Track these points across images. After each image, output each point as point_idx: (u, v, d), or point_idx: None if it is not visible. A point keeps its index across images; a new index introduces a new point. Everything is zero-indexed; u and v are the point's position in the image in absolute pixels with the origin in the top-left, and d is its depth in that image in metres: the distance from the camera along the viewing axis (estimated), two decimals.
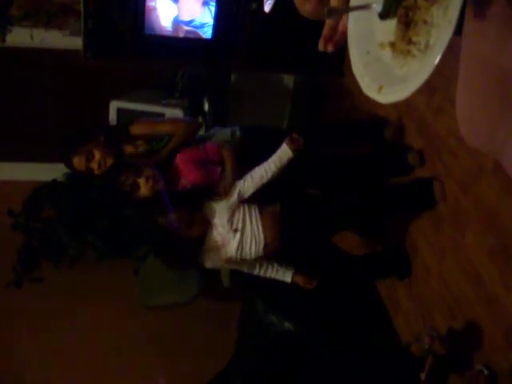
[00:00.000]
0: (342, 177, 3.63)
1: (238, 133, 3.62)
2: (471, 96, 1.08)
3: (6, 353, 4.70)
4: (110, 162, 3.41)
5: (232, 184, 3.20)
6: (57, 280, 4.76)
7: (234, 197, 3.17)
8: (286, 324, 3.39)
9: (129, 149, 3.51)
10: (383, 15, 1.01)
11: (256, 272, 3.30)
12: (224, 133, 3.64)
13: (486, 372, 2.76)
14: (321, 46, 1.18)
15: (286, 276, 3.28)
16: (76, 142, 3.47)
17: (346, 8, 1.08)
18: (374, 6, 1.01)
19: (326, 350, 3.37)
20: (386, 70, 1.04)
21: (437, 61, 0.90)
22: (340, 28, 1.14)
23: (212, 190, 3.25)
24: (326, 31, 1.16)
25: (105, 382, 4.64)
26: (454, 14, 0.87)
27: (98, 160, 3.39)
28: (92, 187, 4.52)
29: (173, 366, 4.76)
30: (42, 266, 4.73)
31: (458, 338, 3.07)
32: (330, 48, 1.17)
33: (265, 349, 3.52)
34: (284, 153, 3.12)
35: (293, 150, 3.10)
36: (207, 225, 3.15)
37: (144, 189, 3.15)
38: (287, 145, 3.11)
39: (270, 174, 3.15)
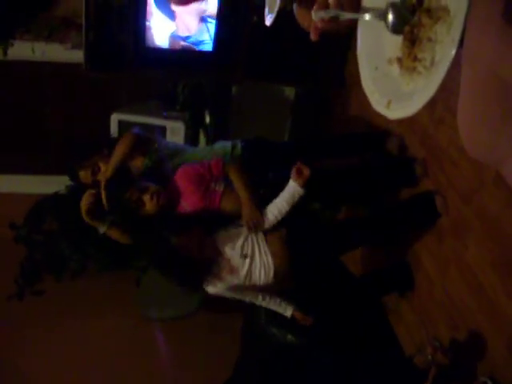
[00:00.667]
0: (344, 193, 3.62)
1: (239, 146, 3.61)
2: (472, 107, 1.08)
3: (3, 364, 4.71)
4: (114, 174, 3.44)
5: (254, 209, 3.15)
6: (59, 291, 4.76)
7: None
8: (289, 336, 3.38)
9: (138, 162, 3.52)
10: (395, 30, 1.01)
11: (258, 303, 3.28)
12: (224, 145, 3.63)
13: (490, 383, 2.75)
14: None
15: (287, 310, 3.29)
16: (80, 155, 3.50)
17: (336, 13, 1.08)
18: (367, 16, 1.03)
19: (328, 363, 3.36)
20: (394, 85, 1.05)
21: (441, 78, 0.91)
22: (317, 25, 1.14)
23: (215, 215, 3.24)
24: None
25: None
26: (456, 31, 0.88)
27: (103, 172, 3.42)
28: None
29: (176, 378, 4.75)
30: (44, 278, 4.73)
31: (462, 348, 3.06)
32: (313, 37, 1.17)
33: (267, 361, 3.51)
34: (294, 190, 3.10)
35: (302, 186, 3.08)
36: (217, 251, 3.14)
37: (149, 205, 3.15)
38: (295, 180, 3.08)
39: (284, 213, 3.15)
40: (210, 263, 3.14)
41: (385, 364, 3.44)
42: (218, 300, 4.60)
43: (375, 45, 1.09)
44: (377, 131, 4.05)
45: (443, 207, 3.30)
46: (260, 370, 3.52)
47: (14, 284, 4.51)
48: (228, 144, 3.63)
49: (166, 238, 3.07)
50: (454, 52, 0.88)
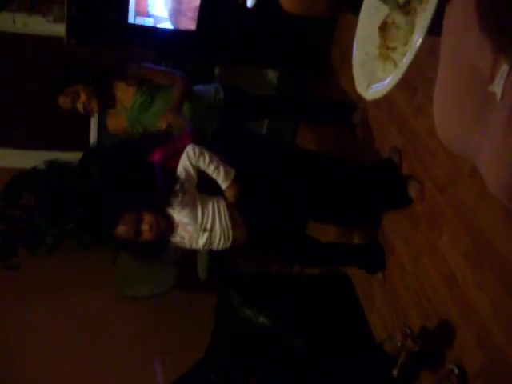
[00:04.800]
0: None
1: (221, 93, 3.75)
2: (448, 98, 1.09)
3: None
4: (94, 105, 3.54)
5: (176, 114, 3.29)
6: (34, 267, 4.74)
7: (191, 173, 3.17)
8: (261, 318, 3.41)
9: (121, 84, 3.59)
10: None
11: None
12: (207, 91, 3.78)
13: (456, 371, 2.79)
14: None
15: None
16: (64, 80, 3.55)
17: None
18: None
19: (300, 345, 3.39)
20: (373, 70, 1.07)
21: (407, 65, 0.93)
22: None
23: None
24: None
25: (80, 368, 4.63)
26: (426, 21, 0.90)
27: (83, 101, 3.52)
28: (72, 175, 4.51)
29: (150, 356, 4.77)
30: (20, 253, 4.71)
31: (431, 336, 3.10)
32: None
33: (240, 341, 3.53)
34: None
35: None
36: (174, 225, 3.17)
37: (148, 235, 3.07)
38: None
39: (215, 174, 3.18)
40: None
41: (354, 349, 3.48)
42: (192, 280, 4.64)
43: (370, 31, 1.11)
44: (346, 104, 4.15)
45: (420, 194, 3.32)
46: (232, 350, 3.54)
47: None
48: (209, 91, 3.78)
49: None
50: (420, 41, 0.90)
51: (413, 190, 3.35)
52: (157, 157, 3.27)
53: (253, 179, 3.32)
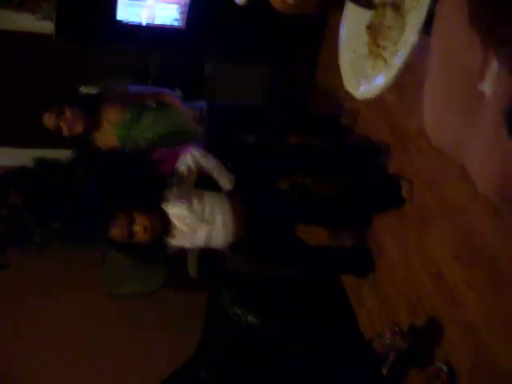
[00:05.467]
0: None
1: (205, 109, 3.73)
2: (438, 97, 1.09)
3: None
4: (79, 125, 3.49)
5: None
6: (24, 265, 4.71)
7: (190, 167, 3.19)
8: (250, 317, 3.40)
9: (108, 108, 3.53)
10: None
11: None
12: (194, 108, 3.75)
13: (445, 369, 2.80)
14: None
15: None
16: (51, 99, 3.51)
17: None
18: None
19: (289, 344, 3.39)
20: (363, 68, 1.07)
21: (400, 65, 0.93)
22: None
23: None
24: None
25: (72, 367, 4.62)
26: (419, 20, 0.89)
27: (67, 118, 3.45)
28: (60, 173, 4.47)
29: (139, 354, 4.76)
30: (9, 252, 4.67)
31: (420, 334, 3.11)
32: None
33: (230, 339, 3.53)
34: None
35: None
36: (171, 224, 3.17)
37: (142, 236, 3.07)
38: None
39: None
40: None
41: (343, 347, 3.49)
42: (182, 278, 4.63)
43: (357, 29, 1.10)
44: (331, 114, 4.14)
45: (409, 194, 3.33)
46: (222, 350, 3.53)
47: None
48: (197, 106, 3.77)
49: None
50: (414, 40, 0.89)
51: (404, 190, 3.35)
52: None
53: (250, 179, 3.33)
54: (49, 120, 3.49)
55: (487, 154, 0.97)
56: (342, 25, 1.13)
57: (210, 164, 3.19)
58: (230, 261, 4.04)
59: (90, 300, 4.90)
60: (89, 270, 4.86)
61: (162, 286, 4.68)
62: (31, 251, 4.59)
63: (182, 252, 4.21)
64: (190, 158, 3.15)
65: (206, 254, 4.14)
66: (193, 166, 3.15)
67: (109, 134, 3.61)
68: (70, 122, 3.47)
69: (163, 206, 3.13)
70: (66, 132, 3.50)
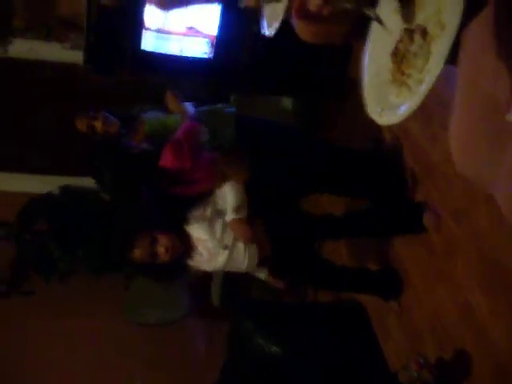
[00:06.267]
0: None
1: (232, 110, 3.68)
2: (464, 126, 1.08)
3: None
4: (114, 125, 3.50)
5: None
6: (47, 291, 4.74)
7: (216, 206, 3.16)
8: (274, 348, 3.37)
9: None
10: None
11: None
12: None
13: None
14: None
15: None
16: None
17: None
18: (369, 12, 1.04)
19: (312, 375, 3.35)
20: (387, 94, 1.06)
21: (425, 93, 0.92)
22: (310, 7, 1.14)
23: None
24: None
25: None
26: (445, 48, 0.89)
27: (101, 117, 3.48)
28: (86, 201, 4.52)
29: (164, 380, 4.74)
30: (32, 278, 4.71)
31: (447, 367, 3.05)
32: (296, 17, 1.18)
33: (252, 369, 3.50)
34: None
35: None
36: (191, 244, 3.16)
37: (164, 257, 3.05)
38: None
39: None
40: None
41: (369, 379, 3.43)
42: (205, 306, 4.61)
43: (382, 53, 1.10)
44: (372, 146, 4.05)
45: (435, 223, 3.28)
46: (244, 379, 3.50)
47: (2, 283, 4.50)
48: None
49: None
50: (440, 69, 0.89)
51: (428, 218, 3.31)
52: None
53: (274, 188, 3.29)
54: (81, 121, 3.51)
55: None
56: (365, 51, 1.12)
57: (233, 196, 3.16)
58: (254, 289, 4.03)
59: (110, 328, 4.90)
60: (110, 297, 4.88)
61: (185, 314, 4.66)
62: (55, 279, 4.64)
63: (205, 280, 4.22)
64: (228, 190, 3.13)
65: (230, 282, 4.12)
66: (222, 202, 3.15)
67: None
68: (104, 120, 3.47)
69: (186, 227, 3.13)
70: (99, 129, 3.47)
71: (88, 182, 4.64)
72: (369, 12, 1.05)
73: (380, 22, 1.03)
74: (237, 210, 3.08)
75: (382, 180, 3.66)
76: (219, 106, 3.78)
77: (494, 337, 2.71)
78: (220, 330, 4.13)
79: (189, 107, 3.59)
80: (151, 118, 3.56)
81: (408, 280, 3.55)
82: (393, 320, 3.71)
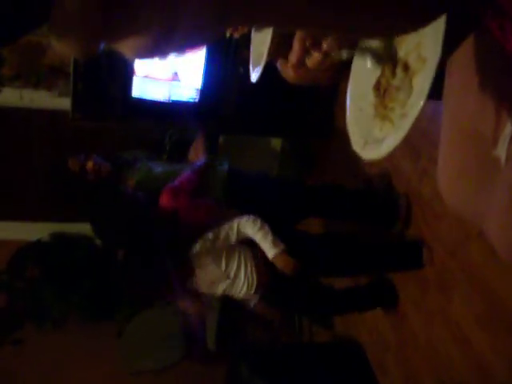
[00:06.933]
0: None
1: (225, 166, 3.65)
2: (451, 163, 1.07)
3: None
4: (106, 166, 3.49)
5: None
6: (39, 341, 4.67)
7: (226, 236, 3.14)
8: None
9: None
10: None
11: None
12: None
13: None
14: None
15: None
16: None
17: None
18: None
19: None
20: (370, 128, 1.06)
21: (408, 128, 0.92)
22: (308, 64, 1.14)
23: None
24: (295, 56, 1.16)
25: None
26: (426, 83, 0.89)
27: (94, 158, 3.49)
28: (78, 248, 4.49)
29: None
30: (25, 326, 4.65)
31: None
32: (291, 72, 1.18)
33: None
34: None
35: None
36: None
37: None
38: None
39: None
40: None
41: None
42: (201, 351, 4.55)
43: (364, 87, 1.10)
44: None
45: (428, 259, 3.28)
46: None
47: None
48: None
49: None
50: (422, 104, 0.89)
51: (423, 255, 3.30)
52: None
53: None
54: (74, 161, 3.51)
55: (506, 221, 0.95)
56: (348, 86, 1.12)
57: (256, 230, 3.13)
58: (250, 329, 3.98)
59: (104, 376, 4.81)
60: (103, 345, 4.81)
61: (180, 359, 4.60)
62: (48, 327, 4.58)
63: (200, 325, 4.18)
64: (235, 224, 3.13)
65: (224, 324, 4.08)
66: (234, 233, 3.13)
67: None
68: (95, 161, 3.48)
69: (191, 253, 3.11)
70: (91, 169, 3.47)
71: (79, 228, 4.62)
72: (350, 54, 1.06)
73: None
74: (274, 243, 3.07)
75: (375, 218, 3.68)
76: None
77: (495, 372, 2.68)
78: (217, 374, 4.08)
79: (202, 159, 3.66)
80: (143, 168, 3.58)
81: (404, 316, 3.52)
82: (390, 357, 3.67)
